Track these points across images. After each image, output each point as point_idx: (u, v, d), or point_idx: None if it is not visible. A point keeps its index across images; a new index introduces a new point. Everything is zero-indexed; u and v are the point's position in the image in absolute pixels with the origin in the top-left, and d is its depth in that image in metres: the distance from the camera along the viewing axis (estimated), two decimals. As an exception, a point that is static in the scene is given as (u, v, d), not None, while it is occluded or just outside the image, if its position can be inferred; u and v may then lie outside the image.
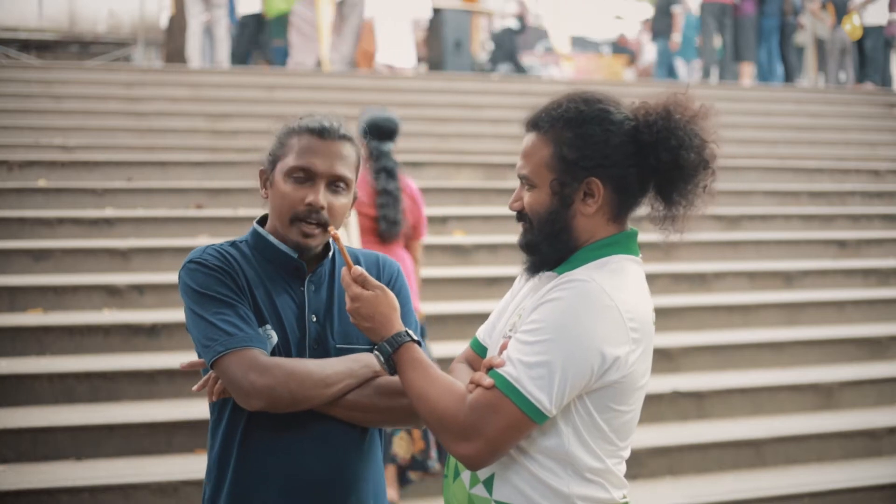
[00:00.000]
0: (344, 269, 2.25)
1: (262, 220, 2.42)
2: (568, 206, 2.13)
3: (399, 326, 2.22)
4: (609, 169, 2.12)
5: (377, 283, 2.23)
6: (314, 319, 2.34)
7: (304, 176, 2.31)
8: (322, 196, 2.30)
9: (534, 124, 2.18)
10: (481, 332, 2.35)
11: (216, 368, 2.23)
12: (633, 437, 2.21)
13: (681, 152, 2.11)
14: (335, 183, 2.33)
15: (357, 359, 2.28)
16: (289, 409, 2.22)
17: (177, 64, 13.21)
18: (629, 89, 12.19)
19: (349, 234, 5.14)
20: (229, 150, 8.88)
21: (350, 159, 2.36)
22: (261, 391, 2.18)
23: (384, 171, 5.25)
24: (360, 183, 5.66)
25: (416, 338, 2.22)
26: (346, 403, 2.25)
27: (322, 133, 2.34)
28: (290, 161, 2.32)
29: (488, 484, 2.14)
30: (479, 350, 2.32)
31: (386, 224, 5.18)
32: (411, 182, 5.47)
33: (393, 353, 2.19)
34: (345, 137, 2.36)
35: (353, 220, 5.19)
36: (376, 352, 2.26)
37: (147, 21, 16.73)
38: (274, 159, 2.37)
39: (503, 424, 2.03)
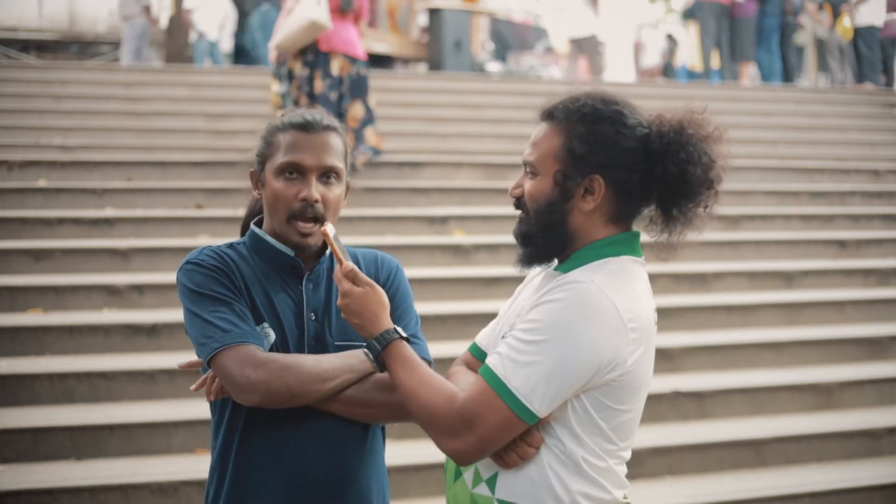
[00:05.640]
0: (336, 266, 2.25)
1: (259, 222, 2.42)
2: (567, 200, 2.14)
3: (387, 324, 2.21)
4: (614, 170, 2.13)
5: (367, 279, 2.23)
6: (313, 317, 2.34)
7: (295, 172, 2.31)
8: (314, 189, 2.30)
9: (549, 115, 2.20)
10: (481, 338, 2.36)
11: (213, 365, 2.23)
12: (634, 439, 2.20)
13: (688, 167, 2.13)
14: (326, 175, 2.33)
15: (355, 354, 2.27)
16: (286, 405, 2.21)
17: (177, 64, 13.20)
18: (629, 90, 12.18)
19: (320, 6, 7.83)
20: (229, 150, 8.88)
21: (338, 149, 2.36)
22: (256, 385, 2.17)
23: None
24: None
25: (404, 335, 2.22)
26: (345, 399, 2.25)
27: (306, 127, 2.34)
28: (278, 158, 2.33)
29: (491, 483, 2.14)
30: (479, 355, 2.32)
31: (343, 2, 8.17)
32: None
33: (381, 350, 2.20)
34: (329, 128, 2.36)
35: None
36: (365, 349, 2.26)
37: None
38: (262, 159, 2.37)
39: (494, 423, 2.04)
